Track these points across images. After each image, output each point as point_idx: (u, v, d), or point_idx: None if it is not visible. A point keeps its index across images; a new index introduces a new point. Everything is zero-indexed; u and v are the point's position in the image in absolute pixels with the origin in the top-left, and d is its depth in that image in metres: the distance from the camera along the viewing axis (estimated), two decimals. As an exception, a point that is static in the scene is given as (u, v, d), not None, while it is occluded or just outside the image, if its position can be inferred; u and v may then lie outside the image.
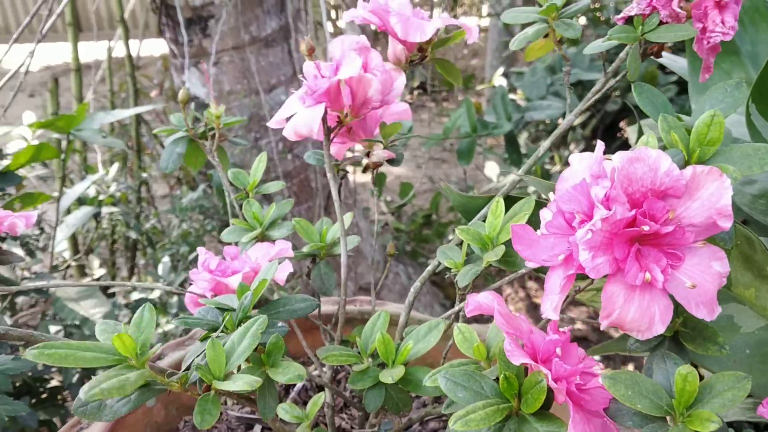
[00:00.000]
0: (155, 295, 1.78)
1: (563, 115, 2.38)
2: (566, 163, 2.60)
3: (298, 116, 0.68)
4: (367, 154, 0.81)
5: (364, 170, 0.83)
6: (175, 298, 1.75)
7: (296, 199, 2.16)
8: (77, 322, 1.52)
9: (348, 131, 0.76)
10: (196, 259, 2.00)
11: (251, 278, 0.69)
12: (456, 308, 0.66)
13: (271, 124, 0.72)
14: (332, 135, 0.74)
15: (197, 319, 0.57)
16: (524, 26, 0.73)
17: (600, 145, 0.51)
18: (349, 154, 1.08)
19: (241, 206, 0.84)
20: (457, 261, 0.66)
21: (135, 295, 1.88)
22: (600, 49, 0.66)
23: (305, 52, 0.75)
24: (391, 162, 0.80)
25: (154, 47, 4.56)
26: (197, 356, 0.54)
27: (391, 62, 0.75)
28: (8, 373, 0.82)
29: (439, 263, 0.72)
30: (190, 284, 0.74)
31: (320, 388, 0.91)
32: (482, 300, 0.53)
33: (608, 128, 2.48)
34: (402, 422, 0.76)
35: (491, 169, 2.51)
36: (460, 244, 0.69)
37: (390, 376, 0.58)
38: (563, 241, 0.49)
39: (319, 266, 0.78)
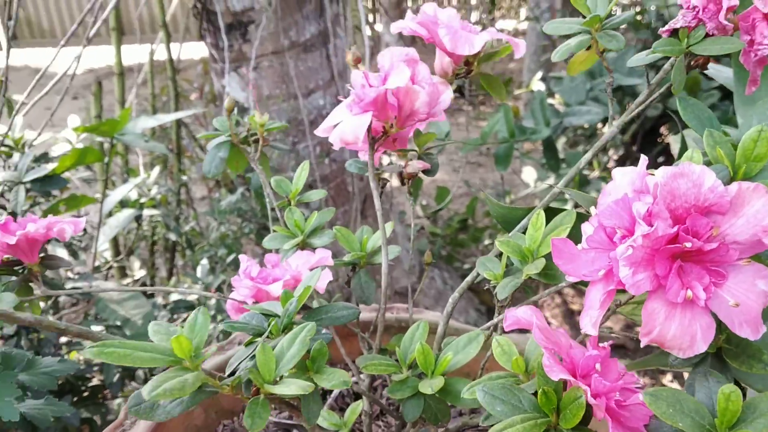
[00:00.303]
0: (194, 297, 1.80)
1: (603, 121, 2.36)
2: (605, 169, 2.58)
3: (345, 124, 0.69)
4: (404, 165, 0.81)
5: (402, 182, 0.83)
6: (213, 301, 1.78)
7: (333, 203, 2.17)
8: (118, 323, 1.55)
9: (393, 141, 0.77)
10: (234, 261, 2.03)
11: (292, 286, 0.70)
12: (495, 320, 0.66)
13: (319, 132, 0.73)
14: (376, 145, 0.74)
15: (242, 324, 0.58)
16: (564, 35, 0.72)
17: (643, 159, 0.51)
18: (385, 160, 1.09)
19: (277, 210, 0.86)
20: (497, 273, 0.66)
21: (174, 297, 1.91)
22: (644, 61, 0.66)
23: (351, 62, 0.76)
24: (427, 172, 0.81)
25: (194, 51, 4.63)
26: (242, 360, 0.55)
27: (438, 75, 0.75)
28: (54, 374, 0.84)
29: (478, 274, 0.72)
30: (231, 289, 0.75)
31: (356, 396, 0.92)
32: (521, 315, 0.53)
33: (648, 133, 2.44)
34: None
35: (528, 174, 2.50)
36: (500, 255, 0.69)
37: (429, 386, 0.59)
38: (604, 256, 0.49)
39: (359, 275, 0.79)
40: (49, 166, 1.48)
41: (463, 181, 3.22)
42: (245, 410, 0.50)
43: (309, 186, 2.12)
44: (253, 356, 0.54)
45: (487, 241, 2.64)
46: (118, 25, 2.26)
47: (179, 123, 2.46)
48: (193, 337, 0.53)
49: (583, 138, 2.63)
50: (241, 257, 0.75)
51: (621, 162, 2.53)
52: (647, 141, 2.46)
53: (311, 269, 0.71)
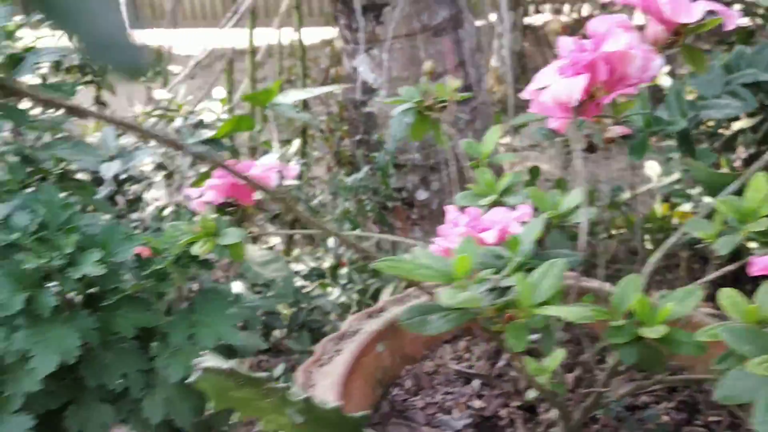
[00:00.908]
0: (326, 264, 1.88)
1: (729, 120, 2.30)
2: (731, 168, 2.51)
3: (558, 85, 0.72)
4: (603, 130, 0.84)
5: (591, 150, 0.86)
6: (344, 270, 1.85)
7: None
8: (260, 283, 1.63)
9: (597, 106, 0.80)
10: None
11: (501, 236, 0.74)
12: (711, 276, 0.68)
13: (524, 94, 0.77)
14: (582, 108, 0.77)
15: (480, 262, 0.62)
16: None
17: None
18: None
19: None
20: (710, 232, 0.68)
21: (298, 267, 1.99)
22: None
23: (559, 30, 0.79)
24: (627, 137, 0.83)
25: (313, 35, 4.81)
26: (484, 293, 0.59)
27: (649, 43, 0.78)
28: (257, 309, 0.91)
29: (683, 234, 0.74)
30: (430, 242, 0.80)
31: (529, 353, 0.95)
32: (770, 261, 0.55)
33: (779, 133, 2.37)
34: (619, 393, 0.79)
35: (651, 168, 2.46)
36: (708, 217, 0.71)
37: (654, 332, 0.61)
38: None
39: (553, 234, 0.82)
40: (208, 132, 1.58)
41: (569, 174, 3.19)
42: (507, 333, 0.54)
43: (430, 168, 2.18)
44: (492, 289, 0.59)
45: (603, 236, 2.62)
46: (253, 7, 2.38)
47: (305, 102, 2.54)
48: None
49: (705, 136, 2.57)
50: (447, 208, 0.79)
51: (749, 161, 2.46)
52: (776, 141, 2.39)
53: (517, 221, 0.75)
